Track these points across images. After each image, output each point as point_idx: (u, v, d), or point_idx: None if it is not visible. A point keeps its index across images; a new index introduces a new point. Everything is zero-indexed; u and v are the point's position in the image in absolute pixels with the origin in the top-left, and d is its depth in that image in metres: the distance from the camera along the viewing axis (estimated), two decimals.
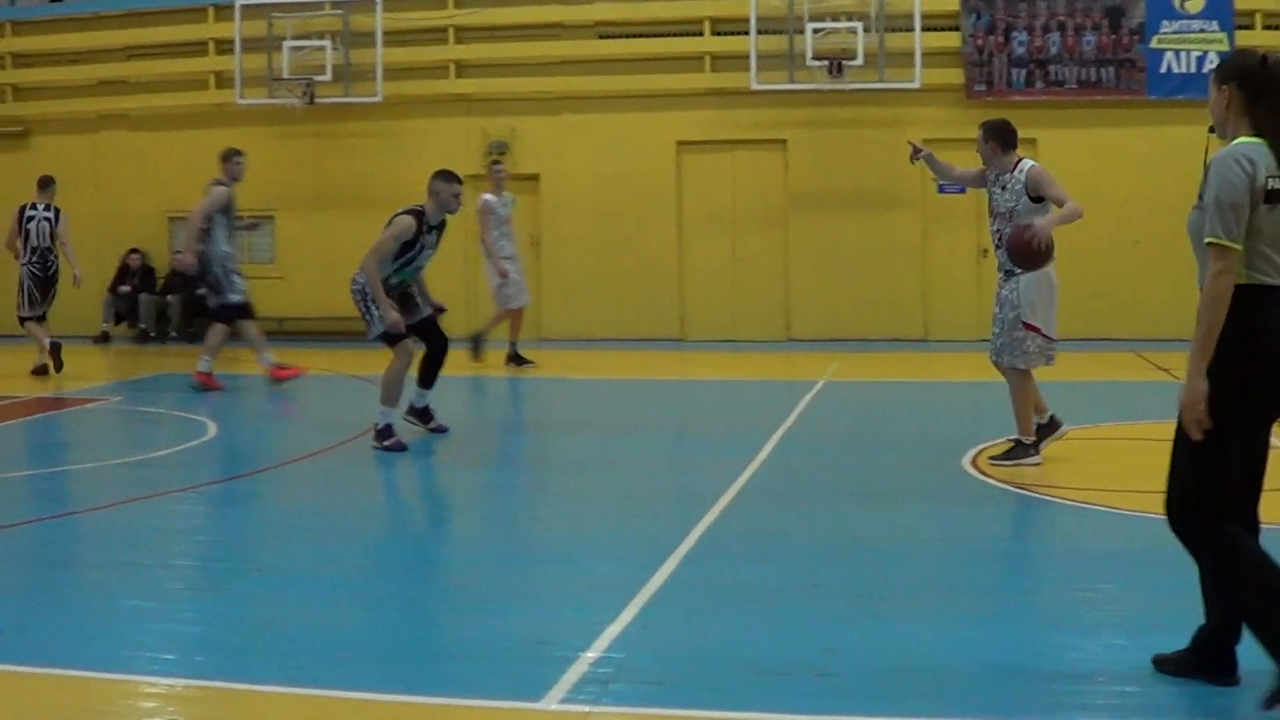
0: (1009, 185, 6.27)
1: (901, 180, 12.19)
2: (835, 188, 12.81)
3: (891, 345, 12.46)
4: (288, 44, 13.36)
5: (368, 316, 7.02)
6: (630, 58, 13.16)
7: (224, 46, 13.91)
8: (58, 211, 10.53)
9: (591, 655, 3.64)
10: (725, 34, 12.87)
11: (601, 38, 13.32)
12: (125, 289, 13.87)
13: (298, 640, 3.89)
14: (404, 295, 7.30)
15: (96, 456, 7.34)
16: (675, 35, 13.07)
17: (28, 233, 10.32)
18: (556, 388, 10.48)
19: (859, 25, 12.25)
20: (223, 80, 13.94)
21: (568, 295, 13.31)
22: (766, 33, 12.42)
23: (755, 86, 12.44)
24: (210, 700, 3.42)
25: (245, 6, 13.53)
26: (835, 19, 12.40)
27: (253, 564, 5.02)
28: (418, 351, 7.39)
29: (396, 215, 7.06)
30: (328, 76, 13.27)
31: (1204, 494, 3.15)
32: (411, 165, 12.77)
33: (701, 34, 12.97)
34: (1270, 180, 3.08)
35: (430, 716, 3.29)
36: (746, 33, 12.44)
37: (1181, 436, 3.16)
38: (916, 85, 12.19)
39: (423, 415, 7.63)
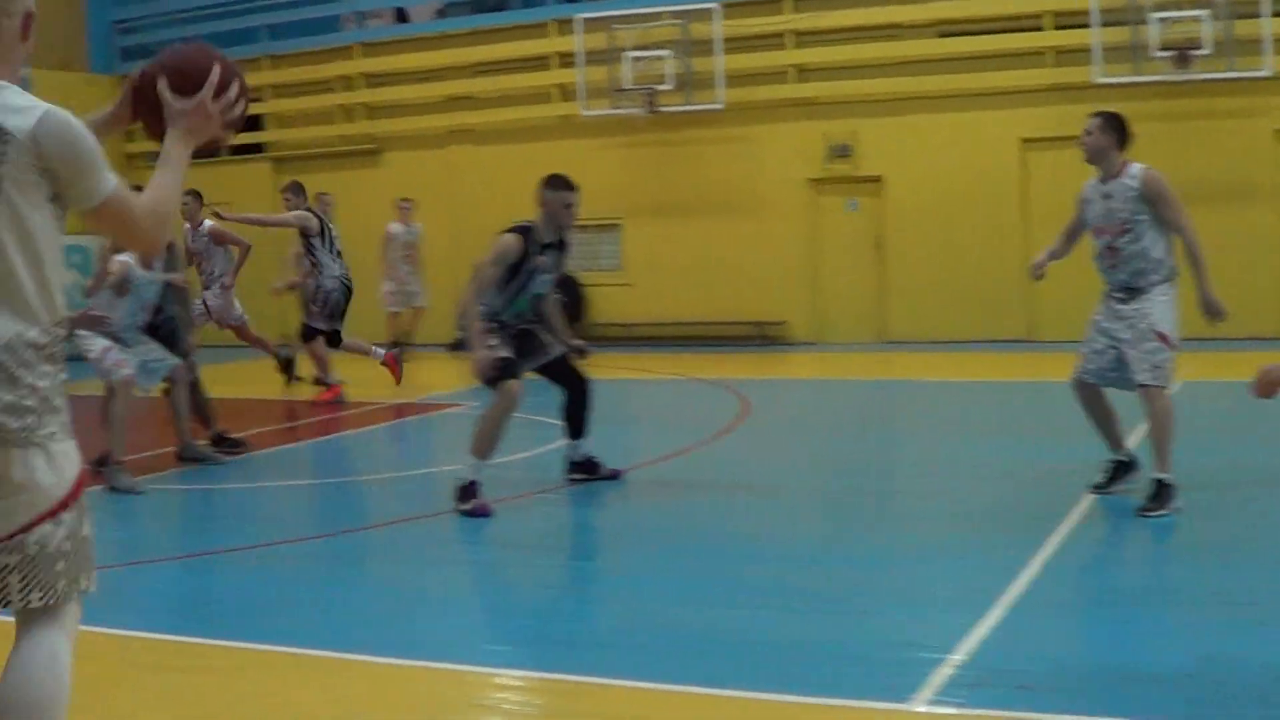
0: (1115, 193, 8.19)
1: (1256, 170, 18.50)
2: (1187, 181, 18.90)
3: (1249, 344, 17.05)
4: (629, 55, 21.10)
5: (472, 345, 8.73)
6: (971, 55, 19.82)
7: (566, 60, 21.76)
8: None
9: (958, 658, 5.34)
10: (1067, 28, 19.31)
11: (942, 36, 20.24)
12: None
13: (664, 638, 5.91)
14: (526, 332, 8.98)
15: (456, 460, 9.95)
16: (1016, 31, 19.59)
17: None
18: (904, 390, 16.08)
19: (1205, 13, 18.50)
20: (566, 93, 21.82)
21: (912, 297, 19.96)
22: (1109, 25, 18.75)
23: (1099, 80, 18.68)
24: (573, 694, 5.34)
25: (587, 20, 21.30)
26: (1180, 7, 18.62)
27: (612, 564, 7.73)
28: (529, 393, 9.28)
29: (500, 234, 8.80)
30: (669, 85, 20.85)
31: None
32: (753, 171, 20.55)
33: (1042, 29, 19.50)
34: None
35: (797, 715, 4.89)
36: (1089, 25, 18.87)
37: None
38: (1267, 73, 18.44)
39: (588, 467, 9.66)
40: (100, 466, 9.91)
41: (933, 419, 13.51)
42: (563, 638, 6.20)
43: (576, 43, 21.45)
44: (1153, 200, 8.12)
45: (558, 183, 8.97)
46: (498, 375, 8.65)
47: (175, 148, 3.75)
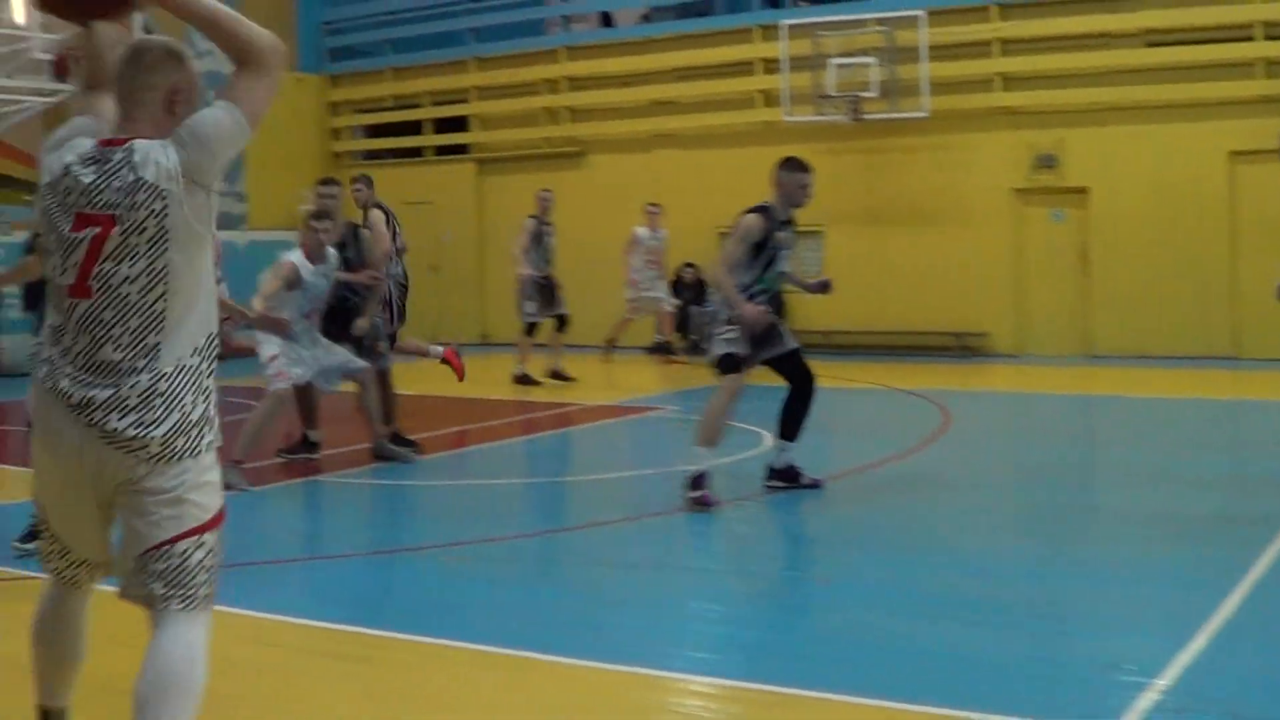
0: None
1: None
2: None
3: None
4: (833, 61, 22.53)
5: (710, 334, 10.03)
6: (1179, 66, 20.73)
7: (771, 66, 23.23)
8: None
9: (1163, 682, 5.58)
10: (1278, 38, 20.72)
11: (1150, 46, 21.36)
12: (677, 302, 23.94)
13: (865, 650, 6.27)
14: (770, 325, 10.07)
15: (658, 463, 11.82)
16: (1226, 41, 20.53)
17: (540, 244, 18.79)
18: (1107, 405, 16.86)
19: None
20: (770, 99, 23.34)
21: (1117, 310, 20.93)
22: None
23: None
24: (769, 704, 5.65)
25: (792, 26, 22.81)
26: None
27: (819, 573, 8.18)
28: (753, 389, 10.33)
29: (741, 215, 9.98)
30: (874, 92, 22.35)
31: None
32: (957, 179, 21.94)
33: (1253, 39, 20.43)
34: None
35: None
36: None
37: None
38: None
39: (788, 475, 10.44)
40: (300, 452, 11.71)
41: (1137, 434, 14.19)
42: (761, 646, 6.54)
43: (781, 49, 22.87)
44: None
45: (794, 164, 10.27)
46: (728, 366, 9.86)
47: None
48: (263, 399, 11.16)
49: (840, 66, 22.43)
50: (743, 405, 10.33)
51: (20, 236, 16.40)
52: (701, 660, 6.32)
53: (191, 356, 4.31)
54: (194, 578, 4.30)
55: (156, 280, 4.21)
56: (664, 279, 22.04)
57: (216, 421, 4.43)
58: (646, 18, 26.23)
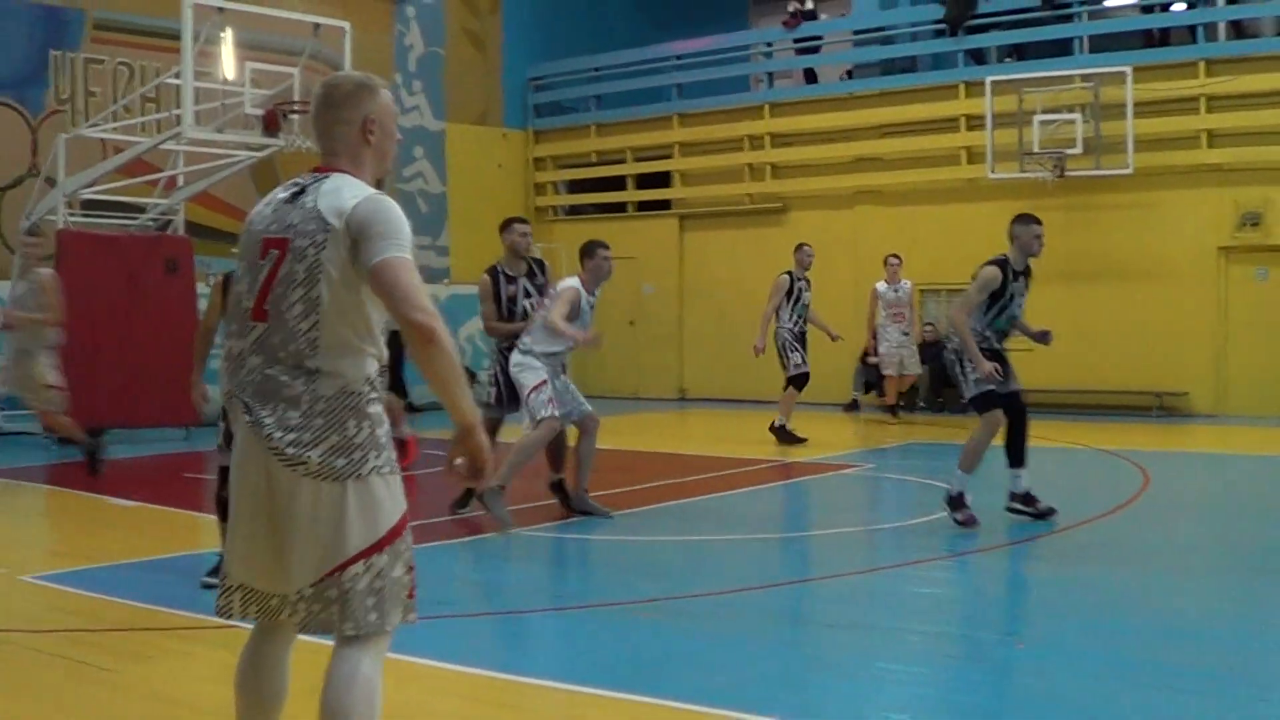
0: None
1: None
2: None
3: None
4: (1038, 118, 22.94)
5: (960, 377, 11.36)
6: None
7: (974, 122, 23.61)
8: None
9: None
10: None
11: None
12: (874, 360, 24.41)
13: (1066, 715, 6.18)
14: (1001, 357, 11.37)
15: (853, 521, 12.22)
16: None
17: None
18: None
19: None
20: (973, 155, 23.62)
21: None
22: None
23: None
24: None
25: (996, 82, 23.09)
26: None
27: (1016, 634, 8.13)
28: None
29: (981, 267, 11.32)
30: (1078, 149, 22.70)
31: None
32: (1161, 237, 22.03)
33: None
34: None
35: None
36: None
37: None
38: None
39: (1027, 500, 11.58)
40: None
41: None
42: (960, 709, 6.52)
43: (985, 105, 23.17)
44: None
45: (1028, 219, 11.62)
46: (985, 404, 11.34)
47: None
48: (534, 428, 11.48)
49: (1044, 123, 22.69)
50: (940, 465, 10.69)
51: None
52: None
53: (356, 384, 4.56)
54: (363, 602, 4.49)
55: (312, 309, 4.48)
56: (910, 335, 22.06)
57: (388, 450, 4.64)
58: (850, 74, 26.78)
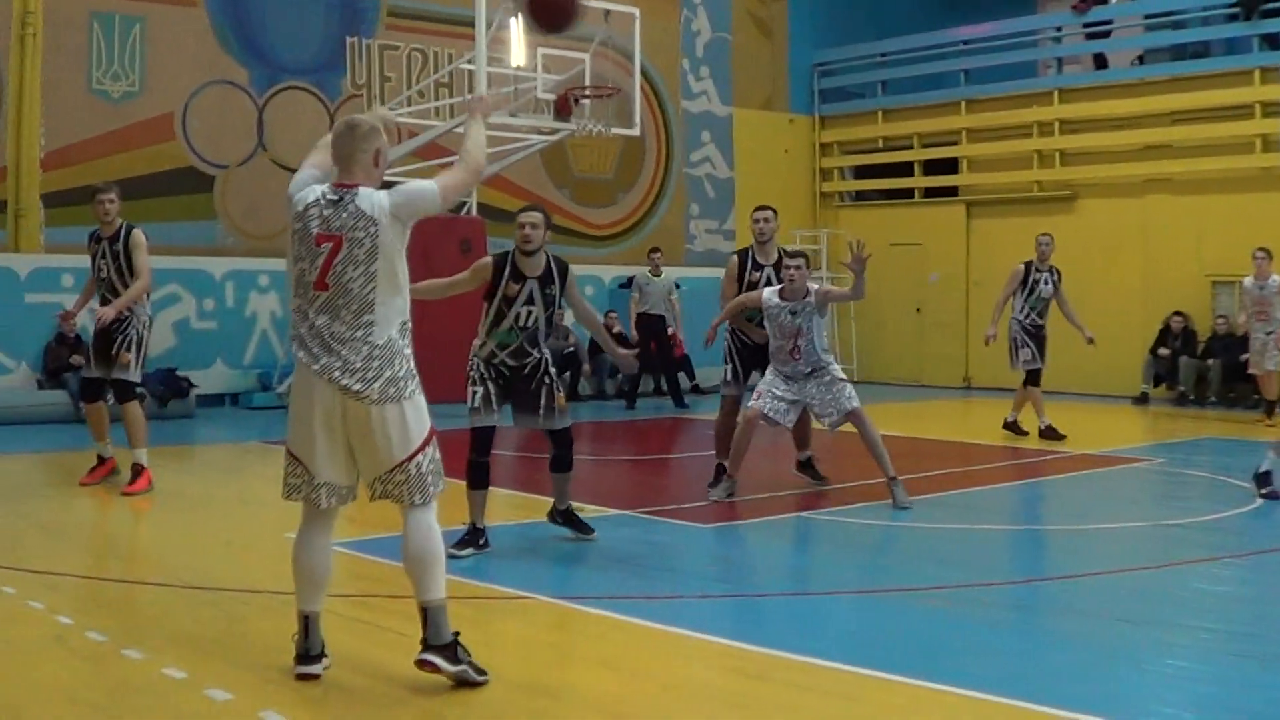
0: None
1: None
2: None
3: None
4: None
5: None
6: None
7: (1269, 109, 23.21)
8: (1058, 274, 18.61)
9: None
10: None
11: None
12: (1165, 351, 23.89)
13: None
14: None
15: (1143, 516, 12.19)
16: None
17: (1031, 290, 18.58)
18: None
19: None
20: (1268, 143, 23.25)
21: None
22: None
23: None
24: None
25: None
26: None
27: None
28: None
29: None
30: None
31: None
32: None
33: None
34: None
35: None
36: None
37: None
38: None
39: (1262, 480, 12.49)
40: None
41: None
42: (1254, 711, 6.47)
43: None
44: None
45: None
46: None
47: (470, 125, 7.06)
48: (866, 419, 12.30)
49: None
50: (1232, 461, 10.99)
51: None
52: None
53: (395, 335, 6.47)
54: (425, 480, 6.51)
55: (370, 280, 6.39)
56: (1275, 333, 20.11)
57: (417, 378, 6.53)
58: (1140, 59, 26.51)
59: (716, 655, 7.50)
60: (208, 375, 21.30)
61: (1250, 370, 20.71)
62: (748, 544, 11.20)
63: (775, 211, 13.23)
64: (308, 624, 6.69)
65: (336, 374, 6.33)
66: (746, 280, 12.97)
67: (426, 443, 6.52)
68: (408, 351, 6.52)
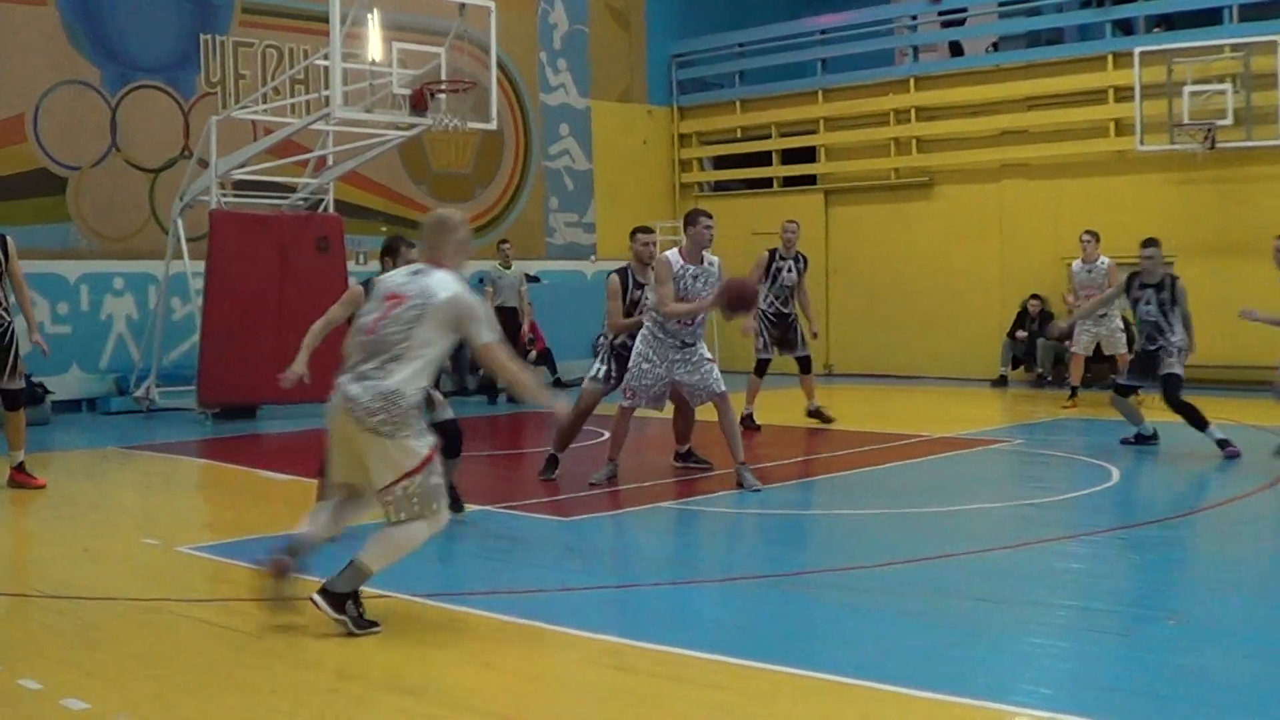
0: None
1: None
2: None
3: None
4: (1187, 89, 22.86)
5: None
6: None
7: (1123, 94, 23.68)
8: (805, 261, 18.63)
9: None
10: None
11: None
12: (1023, 334, 24.22)
13: (1217, 692, 6.27)
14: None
15: (1002, 496, 12.42)
16: None
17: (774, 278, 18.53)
18: None
19: None
20: (1122, 128, 23.74)
21: None
22: None
23: None
24: None
25: (1144, 53, 23.04)
26: None
27: (1167, 611, 8.10)
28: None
29: None
30: (1229, 120, 22.55)
31: None
32: None
33: None
34: None
35: None
36: None
37: None
38: None
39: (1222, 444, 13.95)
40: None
41: None
42: (1107, 684, 6.61)
43: (1134, 76, 23.16)
44: None
45: None
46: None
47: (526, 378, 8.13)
48: (729, 405, 12.73)
49: (1194, 94, 22.66)
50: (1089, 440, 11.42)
51: (373, 265, 17.99)
52: (1047, 696, 6.38)
53: (407, 385, 7.51)
54: (409, 503, 7.53)
55: (404, 337, 7.56)
56: (1113, 315, 20.35)
57: (421, 423, 7.64)
58: (995, 46, 26.91)
59: (581, 648, 7.53)
60: (64, 381, 20.89)
61: (1073, 349, 20.94)
62: (612, 535, 11.28)
63: (655, 230, 14.56)
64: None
65: (352, 404, 7.52)
66: (629, 299, 13.62)
67: (409, 475, 7.52)
68: (408, 405, 7.55)
